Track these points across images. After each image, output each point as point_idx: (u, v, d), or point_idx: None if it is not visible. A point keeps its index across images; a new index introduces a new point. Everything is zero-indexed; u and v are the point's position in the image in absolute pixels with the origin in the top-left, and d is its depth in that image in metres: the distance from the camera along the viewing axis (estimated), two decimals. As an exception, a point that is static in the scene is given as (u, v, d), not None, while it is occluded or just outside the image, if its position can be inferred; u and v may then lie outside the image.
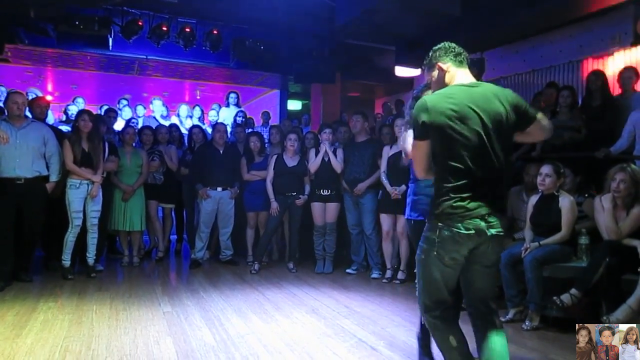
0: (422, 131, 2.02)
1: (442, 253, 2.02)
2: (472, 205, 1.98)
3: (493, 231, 2.00)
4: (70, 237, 4.72)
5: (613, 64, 5.82)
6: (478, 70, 6.39)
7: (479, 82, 2.13)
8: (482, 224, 1.98)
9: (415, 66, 6.40)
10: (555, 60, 6.51)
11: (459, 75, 2.14)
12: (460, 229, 1.98)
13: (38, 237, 4.80)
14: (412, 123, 2.10)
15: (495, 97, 2.02)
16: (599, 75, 5.01)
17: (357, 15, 4.94)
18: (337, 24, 5.44)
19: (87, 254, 4.86)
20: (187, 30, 6.50)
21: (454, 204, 1.98)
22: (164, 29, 6.36)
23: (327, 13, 5.76)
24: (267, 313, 3.87)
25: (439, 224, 2.01)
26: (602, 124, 4.71)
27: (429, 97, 2.04)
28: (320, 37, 6.83)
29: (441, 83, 2.17)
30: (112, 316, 3.66)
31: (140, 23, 6.24)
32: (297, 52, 7.15)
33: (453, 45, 2.18)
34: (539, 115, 2.11)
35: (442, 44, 2.20)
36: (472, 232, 1.98)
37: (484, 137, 1.97)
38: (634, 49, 5.67)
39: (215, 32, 6.65)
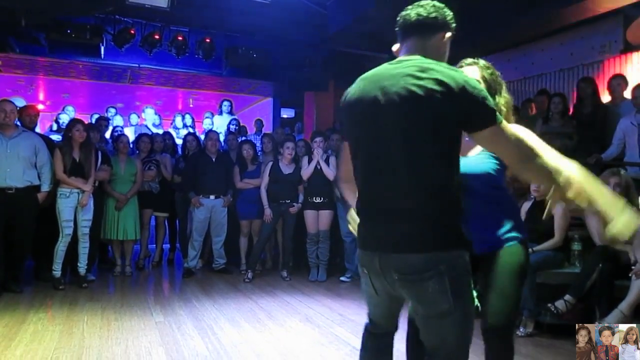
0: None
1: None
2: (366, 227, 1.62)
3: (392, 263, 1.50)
4: (61, 247, 4.67)
5: (603, 72, 5.89)
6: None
7: (413, 57, 1.55)
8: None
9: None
10: (546, 68, 6.57)
11: (400, 53, 1.67)
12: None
13: (28, 247, 4.74)
14: None
15: (421, 71, 1.45)
16: (590, 82, 5.06)
17: (349, 23, 4.96)
18: (330, 32, 5.46)
19: (79, 264, 4.81)
20: (180, 38, 6.51)
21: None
22: (156, 37, 6.36)
23: (319, 21, 5.78)
24: (260, 322, 3.84)
25: None
26: (592, 131, 4.75)
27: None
28: (313, 45, 6.85)
29: None
30: (104, 327, 3.61)
31: (132, 31, 6.24)
32: (290, 60, 7.17)
33: (400, 16, 1.65)
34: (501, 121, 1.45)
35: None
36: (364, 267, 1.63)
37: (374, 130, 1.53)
38: (623, 57, 5.73)
39: (207, 40, 6.66)
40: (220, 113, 8.47)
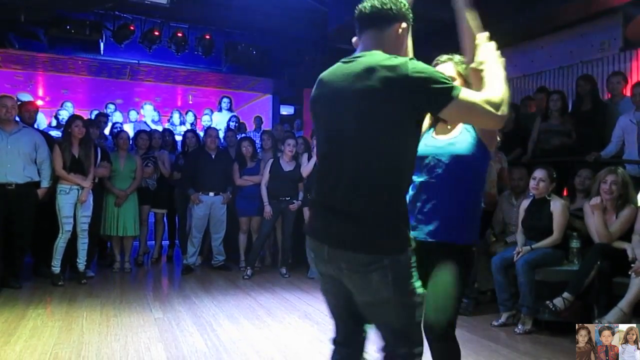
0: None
1: None
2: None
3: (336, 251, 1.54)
4: (61, 243, 4.67)
5: (603, 69, 5.88)
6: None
7: (365, 53, 1.55)
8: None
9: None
10: (546, 65, 6.56)
11: (358, 46, 1.66)
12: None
13: (28, 243, 4.74)
14: None
15: (367, 71, 1.45)
16: (589, 79, 5.06)
17: (349, 20, 4.96)
18: (329, 29, 5.46)
19: (78, 260, 4.81)
20: (179, 35, 6.51)
21: None
22: (156, 33, 6.35)
23: (319, 18, 5.78)
24: (259, 318, 3.85)
25: None
26: (592, 129, 4.75)
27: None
28: (313, 42, 6.84)
29: None
30: (103, 323, 3.62)
31: (132, 27, 6.24)
32: (289, 57, 7.16)
33: (357, 9, 1.63)
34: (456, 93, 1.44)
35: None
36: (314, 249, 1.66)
37: (334, 122, 1.56)
38: (623, 54, 5.73)
39: (207, 36, 6.66)
40: (220, 110, 8.47)
